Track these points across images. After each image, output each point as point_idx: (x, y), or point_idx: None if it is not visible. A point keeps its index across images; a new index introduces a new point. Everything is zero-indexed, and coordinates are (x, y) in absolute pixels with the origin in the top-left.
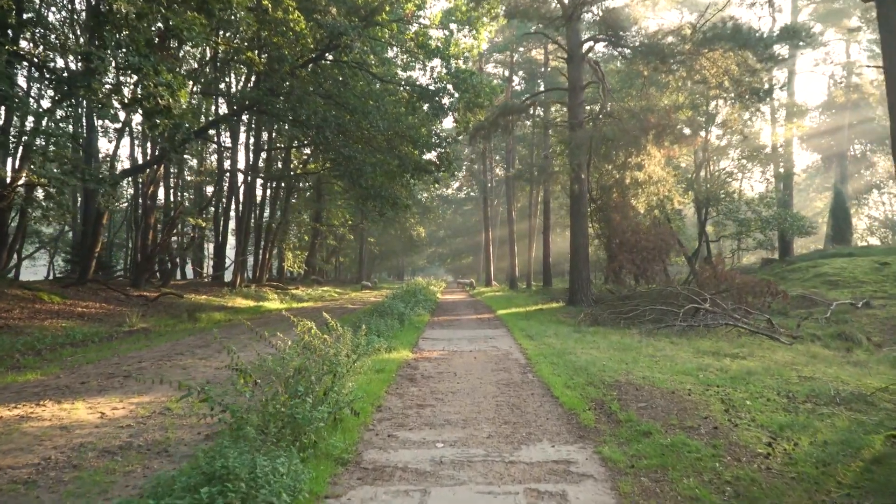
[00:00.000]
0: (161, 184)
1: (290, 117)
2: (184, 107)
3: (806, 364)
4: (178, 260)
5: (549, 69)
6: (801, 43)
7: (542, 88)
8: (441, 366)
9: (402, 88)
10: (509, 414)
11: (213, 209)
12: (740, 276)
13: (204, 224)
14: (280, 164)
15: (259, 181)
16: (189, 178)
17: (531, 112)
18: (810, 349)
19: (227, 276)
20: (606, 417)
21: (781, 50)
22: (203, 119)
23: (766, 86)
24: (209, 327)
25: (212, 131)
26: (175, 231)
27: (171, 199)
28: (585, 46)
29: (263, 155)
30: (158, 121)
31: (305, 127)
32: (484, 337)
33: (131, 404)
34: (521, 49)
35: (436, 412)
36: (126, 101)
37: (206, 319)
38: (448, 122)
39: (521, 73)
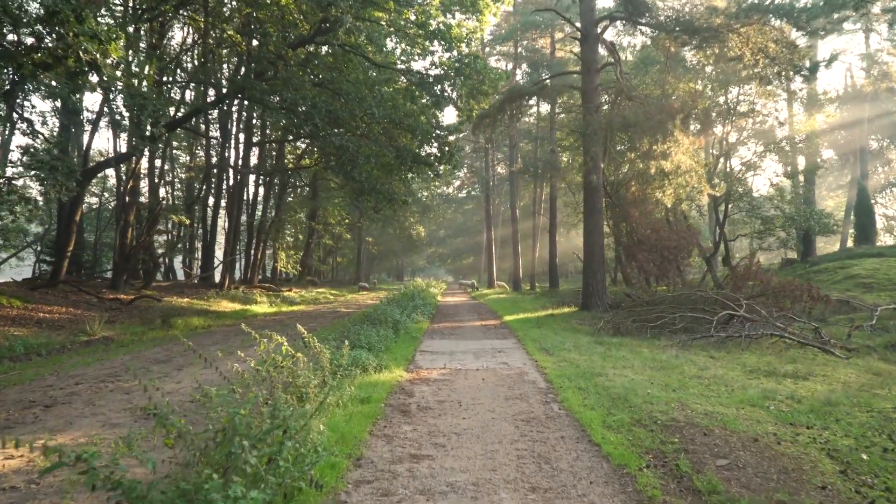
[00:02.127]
0: (146, 179)
1: (277, 103)
2: (114, 62)
3: (881, 386)
4: (164, 260)
5: (555, 59)
6: (848, 13)
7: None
8: (442, 391)
9: (400, 76)
10: (536, 473)
11: (203, 206)
12: (775, 279)
13: (188, 222)
14: (273, 160)
15: (252, 177)
16: (183, 175)
17: (540, 98)
18: (871, 364)
19: (219, 278)
20: (676, 482)
21: (824, 24)
22: (179, 108)
23: (808, 63)
24: (183, 335)
25: (201, 125)
26: (159, 229)
27: (162, 195)
28: (601, 26)
29: (257, 151)
30: (82, 81)
31: (293, 114)
32: (492, 350)
33: (36, 449)
34: (525, 42)
35: (435, 469)
36: (46, 59)
37: (181, 326)
38: (450, 117)
39: (524, 66)
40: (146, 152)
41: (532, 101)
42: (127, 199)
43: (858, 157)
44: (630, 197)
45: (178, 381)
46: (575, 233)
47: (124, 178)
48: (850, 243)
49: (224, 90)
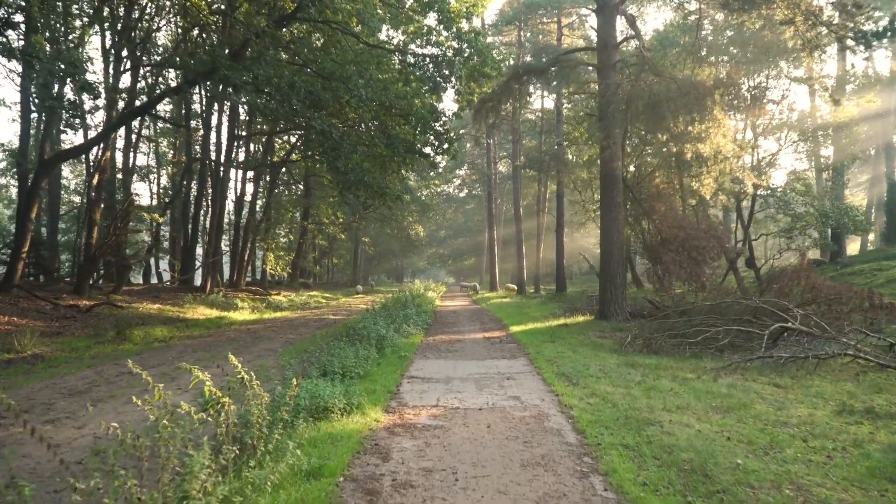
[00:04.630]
0: (120, 174)
1: (251, 82)
2: None
3: None
4: (143, 262)
5: (562, 46)
6: None
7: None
8: (431, 448)
9: (394, 58)
10: None
11: (184, 204)
12: (827, 283)
13: (161, 219)
14: (261, 154)
15: (239, 173)
16: (171, 172)
17: (549, 80)
18: None
19: (201, 281)
20: None
21: None
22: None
23: (879, 26)
24: (138, 349)
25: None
26: (134, 228)
27: (140, 191)
28: None
29: (245, 145)
30: None
31: (267, 95)
32: (498, 375)
33: None
34: (529, 34)
35: None
36: None
37: (140, 337)
38: (449, 107)
39: (528, 57)
40: (109, 143)
41: (536, 93)
42: (93, 194)
43: (884, 153)
44: (654, 190)
45: (79, 426)
46: (580, 233)
47: (93, 171)
48: (868, 245)
49: (196, 70)
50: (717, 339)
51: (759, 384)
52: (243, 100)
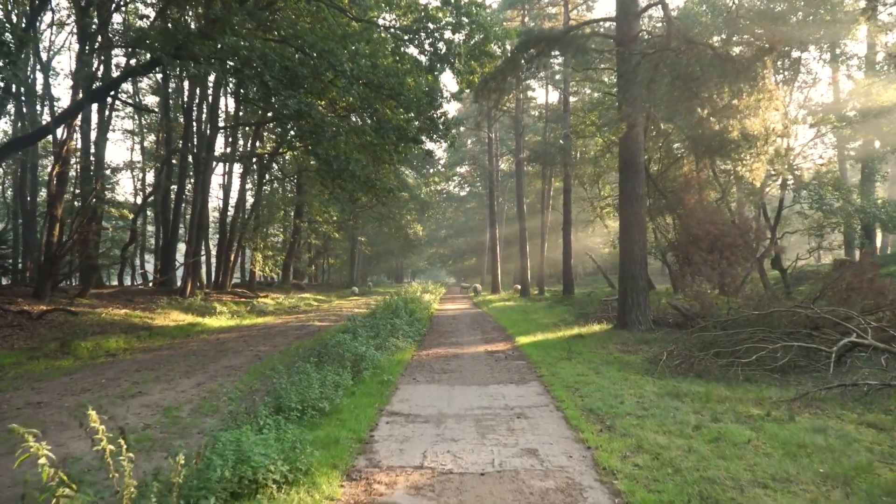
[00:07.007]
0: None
1: (215, 55)
2: None
3: None
4: (118, 262)
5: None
6: None
7: (559, 60)
8: None
9: (385, 33)
10: None
11: (163, 199)
12: (893, 286)
13: (131, 216)
14: (249, 147)
15: (226, 167)
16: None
17: (561, 53)
18: None
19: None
20: None
21: None
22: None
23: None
24: (76, 367)
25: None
26: (102, 225)
27: (137, 188)
28: None
29: (231, 138)
30: None
31: (235, 69)
32: (505, 411)
33: None
34: (534, 24)
35: None
36: None
37: (87, 350)
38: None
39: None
40: (73, 130)
41: (541, 86)
42: (54, 187)
43: None
44: (682, 179)
45: None
46: (584, 232)
47: (54, 161)
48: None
49: (160, 45)
50: (774, 357)
51: (849, 423)
52: (212, 76)
